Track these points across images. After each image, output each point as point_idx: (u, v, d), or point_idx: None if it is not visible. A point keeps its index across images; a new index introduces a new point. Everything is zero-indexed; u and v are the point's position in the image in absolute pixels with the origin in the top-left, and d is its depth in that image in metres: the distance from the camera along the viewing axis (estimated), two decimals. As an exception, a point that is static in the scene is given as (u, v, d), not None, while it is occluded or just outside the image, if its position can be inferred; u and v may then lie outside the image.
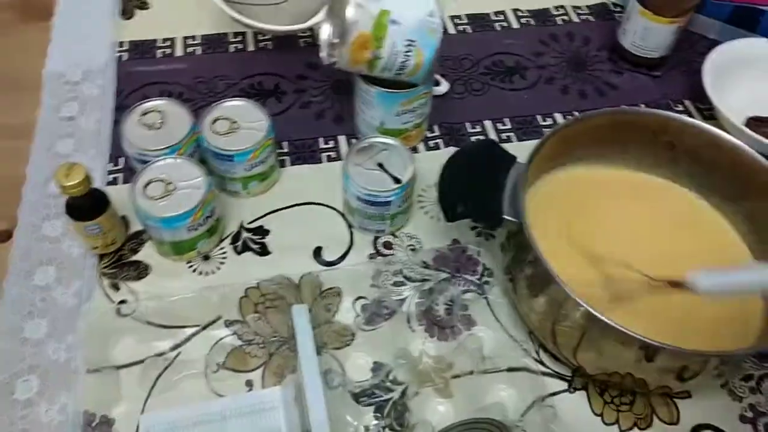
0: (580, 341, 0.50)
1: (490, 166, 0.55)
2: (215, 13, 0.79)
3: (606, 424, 0.53)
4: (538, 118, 0.74)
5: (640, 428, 0.53)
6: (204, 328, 0.56)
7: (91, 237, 0.58)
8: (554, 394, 0.54)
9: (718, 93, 0.69)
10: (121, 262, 0.60)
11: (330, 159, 0.69)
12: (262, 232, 0.63)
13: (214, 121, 0.61)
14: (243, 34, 0.80)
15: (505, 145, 0.58)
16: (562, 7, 0.86)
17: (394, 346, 0.55)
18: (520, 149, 0.56)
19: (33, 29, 0.86)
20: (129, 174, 0.65)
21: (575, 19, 0.85)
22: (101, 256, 0.60)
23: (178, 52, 0.77)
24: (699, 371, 0.48)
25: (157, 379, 0.53)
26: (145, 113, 0.61)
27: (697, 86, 0.71)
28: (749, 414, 0.54)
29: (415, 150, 0.69)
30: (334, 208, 0.64)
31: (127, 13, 0.81)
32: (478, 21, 0.84)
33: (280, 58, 0.77)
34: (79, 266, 0.60)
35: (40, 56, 0.76)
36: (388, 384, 0.53)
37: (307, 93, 0.74)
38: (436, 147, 0.70)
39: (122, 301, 0.57)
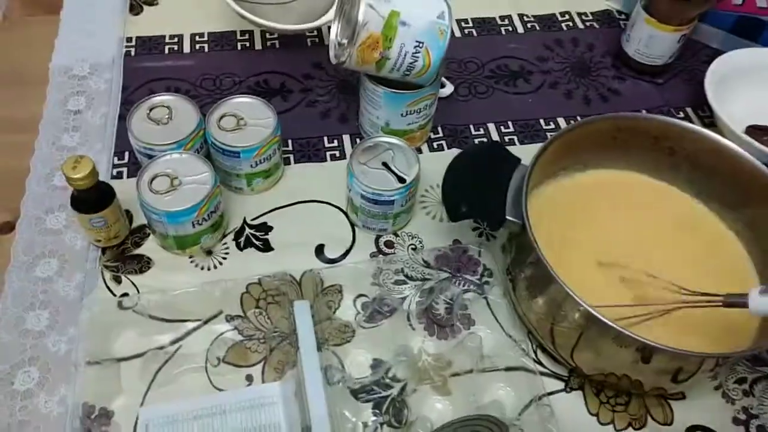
0: (577, 342, 0.50)
1: (495, 168, 0.55)
2: (223, 11, 0.80)
3: (601, 423, 0.53)
4: (542, 122, 0.75)
5: (634, 428, 0.53)
6: (205, 322, 0.56)
7: (94, 230, 0.58)
8: (551, 393, 0.54)
9: (719, 101, 0.70)
10: (124, 256, 0.60)
11: (334, 158, 0.69)
12: (265, 228, 0.63)
13: (221, 117, 0.61)
14: (250, 32, 0.80)
15: (508, 149, 0.58)
16: (567, 13, 0.87)
17: (394, 344, 0.55)
18: (523, 153, 0.56)
19: (38, 23, 0.87)
20: (134, 168, 0.66)
21: (580, 25, 0.86)
22: (104, 250, 0.60)
23: (186, 48, 0.78)
24: (694, 372, 0.49)
25: (158, 372, 0.53)
26: (152, 108, 0.62)
27: (699, 94, 0.72)
28: (742, 416, 0.54)
29: (418, 151, 0.70)
30: (337, 207, 0.65)
31: (135, 9, 0.82)
32: (484, 25, 0.84)
33: (287, 57, 0.78)
34: (82, 259, 0.60)
35: (46, 50, 0.77)
36: (388, 381, 0.53)
37: (313, 92, 0.75)
38: (440, 148, 0.71)
39: (124, 294, 0.57)
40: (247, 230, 0.63)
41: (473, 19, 0.85)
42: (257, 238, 0.62)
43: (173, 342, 0.55)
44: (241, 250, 0.61)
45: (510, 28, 0.84)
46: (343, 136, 0.71)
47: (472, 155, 0.59)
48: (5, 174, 0.67)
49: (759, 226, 0.56)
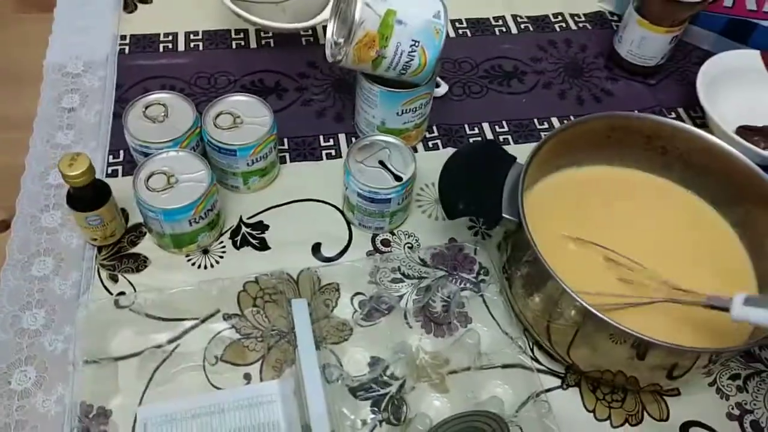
0: (573, 338, 0.51)
1: (490, 166, 0.55)
2: (218, 9, 0.80)
3: (598, 420, 0.54)
4: (536, 121, 0.75)
5: (631, 424, 0.54)
6: (202, 321, 0.56)
7: (91, 228, 0.58)
8: (548, 390, 0.55)
9: (710, 102, 0.71)
10: (120, 255, 0.60)
11: (330, 157, 0.69)
12: (262, 227, 0.63)
13: (218, 115, 0.61)
14: (245, 30, 0.80)
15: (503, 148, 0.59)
16: (560, 14, 0.87)
17: (391, 342, 0.55)
18: (518, 152, 0.57)
19: (32, 20, 0.86)
20: (129, 167, 0.65)
21: (573, 26, 0.86)
22: (100, 248, 0.60)
23: (180, 47, 0.78)
24: (689, 368, 0.49)
25: (155, 371, 0.53)
26: (148, 106, 0.61)
27: (691, 95, 0.72)
28: (736, 412, 0.55)
29: (414, 150, 0.70)
30: (333, 205, 0.65)
31: (129, 7, 0.81)
32: (478, 25, 0.85)
33: (282, 56, 0.78)
34: (78, 258, 0.60)
35: (40, 47, 0.76)
36: (386, 379, 0.54)
37: (309, 91, 0.75)
38: (435, 147, 0.71)
39: (121, 293, 0.57)
40: (244, 229, 0.63)
41: (467, 20, 0.85)
42: (254, 237, 0.62)
43: (171, 341, 0.55)
44: (237, 248, 0.61)
45: (504, 29, 0.85)
46: (339, 135, 0.71)
47: (468, 153, 0.59)
48: (0, 172, 0.67)
49: (751, 222, 0.57)
